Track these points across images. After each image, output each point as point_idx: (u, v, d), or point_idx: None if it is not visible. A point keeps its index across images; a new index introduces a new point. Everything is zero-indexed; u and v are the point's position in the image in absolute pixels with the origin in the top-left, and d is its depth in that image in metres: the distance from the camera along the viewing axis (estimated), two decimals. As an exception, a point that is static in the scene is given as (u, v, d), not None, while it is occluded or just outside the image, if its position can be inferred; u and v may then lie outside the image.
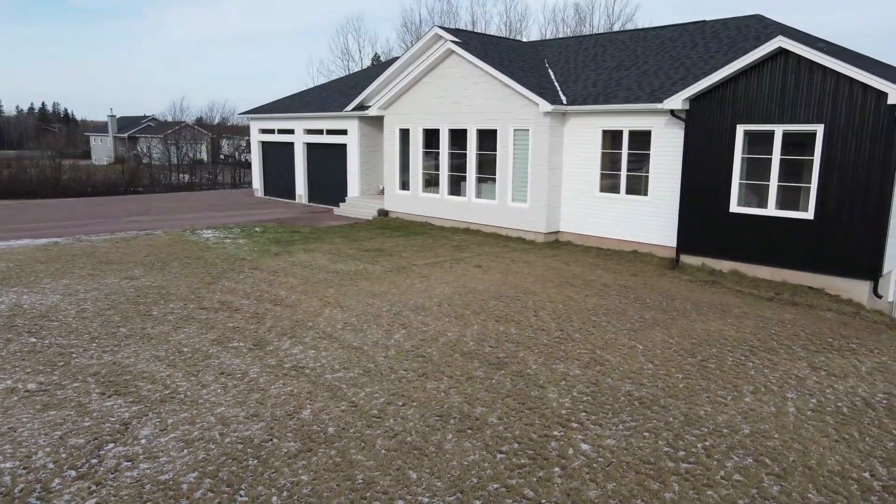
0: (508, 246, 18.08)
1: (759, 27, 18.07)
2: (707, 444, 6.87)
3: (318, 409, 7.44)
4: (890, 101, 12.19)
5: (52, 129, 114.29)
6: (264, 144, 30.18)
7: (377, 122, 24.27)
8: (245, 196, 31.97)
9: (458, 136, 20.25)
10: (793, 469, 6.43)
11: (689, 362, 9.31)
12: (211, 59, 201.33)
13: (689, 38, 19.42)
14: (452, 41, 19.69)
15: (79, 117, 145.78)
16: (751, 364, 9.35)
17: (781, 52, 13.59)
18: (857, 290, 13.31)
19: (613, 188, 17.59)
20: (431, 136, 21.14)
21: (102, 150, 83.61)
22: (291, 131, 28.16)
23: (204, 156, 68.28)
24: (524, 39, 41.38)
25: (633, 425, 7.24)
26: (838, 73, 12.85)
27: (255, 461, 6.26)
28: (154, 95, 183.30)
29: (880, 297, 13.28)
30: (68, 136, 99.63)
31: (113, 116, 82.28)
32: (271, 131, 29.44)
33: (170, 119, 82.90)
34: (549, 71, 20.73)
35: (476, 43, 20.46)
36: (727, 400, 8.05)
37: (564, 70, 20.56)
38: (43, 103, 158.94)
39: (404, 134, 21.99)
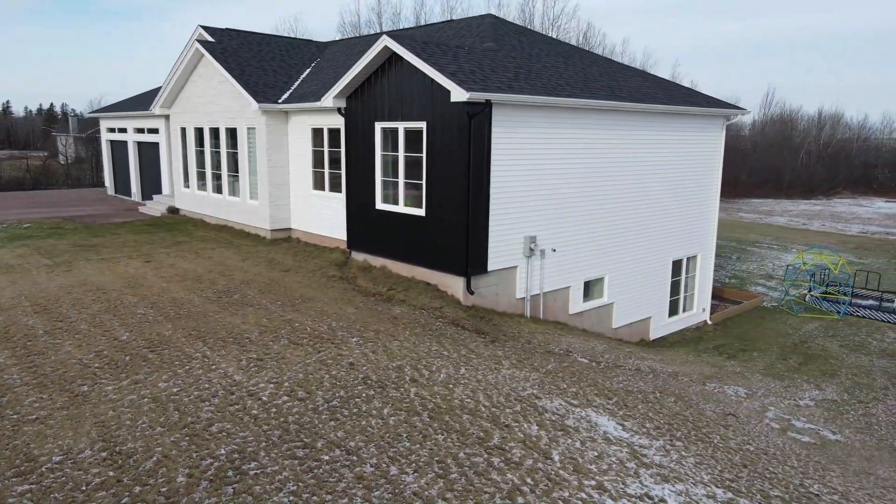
0: (232, 243, 18.40)
1: (484, 25, 18.11)
2: None
3: None
4: (453, 98, 12.25)
5: (52, 129, 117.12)
6: (112, 143, 30.87)
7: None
8: (93, 194, 32.69)
9: (215, 135, 20.62)
10: None
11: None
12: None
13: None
14: (200, 41, 20.05)
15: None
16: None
17: (395, 53, 13.71)
18: (456, 286, 13.40)
19: (321, 186, 17.80)
20: (200, 135, 21.53)
21: (71, 150, 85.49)
22: (126, 130, 28.79)
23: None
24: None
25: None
26: (425, 73, 12.96)
27: None
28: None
29: (473, 293, 13.33)
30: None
31: (75, 116, 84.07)
32: (113, 130, 30.12)
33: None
34: (306, 70, 20.97)
35: (235, 43, 20.80)
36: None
37: (318, 69, 20.80)
38: (52, 104, 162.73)
39: (183, 132, 22.42)
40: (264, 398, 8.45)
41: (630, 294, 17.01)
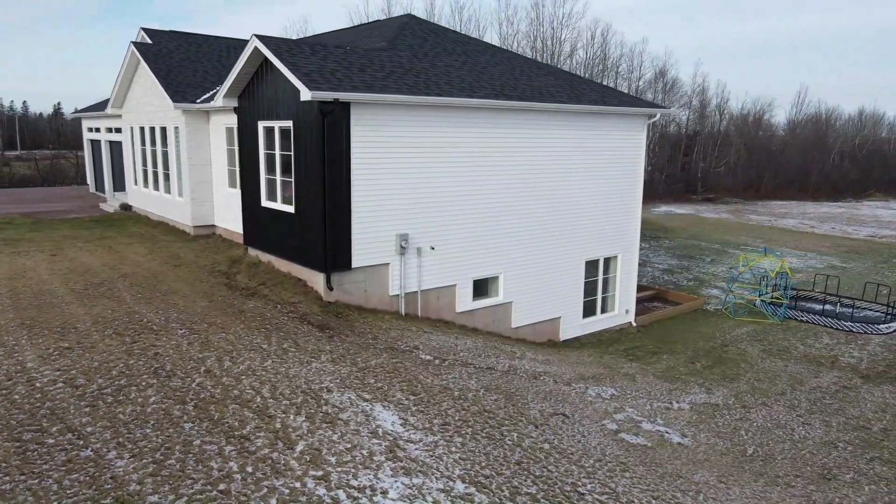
0: (155, 238, 19.01)
1: (395, 26, 18.31)
2: None
3: None
4: (301, 97, 12.48)
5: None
6: (91, 142, 32.02)
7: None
8: (76, 191, 33.95)
9: (152, 134, 21.29)
10: None
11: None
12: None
13: (349, 38, 19.80)
14: (137, 43, 20.73)
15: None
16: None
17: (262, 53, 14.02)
18: (319, 282, 13.63)
19: (235, 184, 18.23)
20: (143, 134, 22.24)
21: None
22: (100, 130, 29.84)
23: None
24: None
25: None
26: (282, 73, 13.22)
27: None
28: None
29: (332, 289, 13.53)
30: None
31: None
32: (91, 130, 31.25)
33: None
34: (241, 71, 21.42)
35: (173, 44, 21.44)
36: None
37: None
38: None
39: (131, 131, 23.18)
40: (39, 385, 8.83)
41: (532, 294, 16.94)
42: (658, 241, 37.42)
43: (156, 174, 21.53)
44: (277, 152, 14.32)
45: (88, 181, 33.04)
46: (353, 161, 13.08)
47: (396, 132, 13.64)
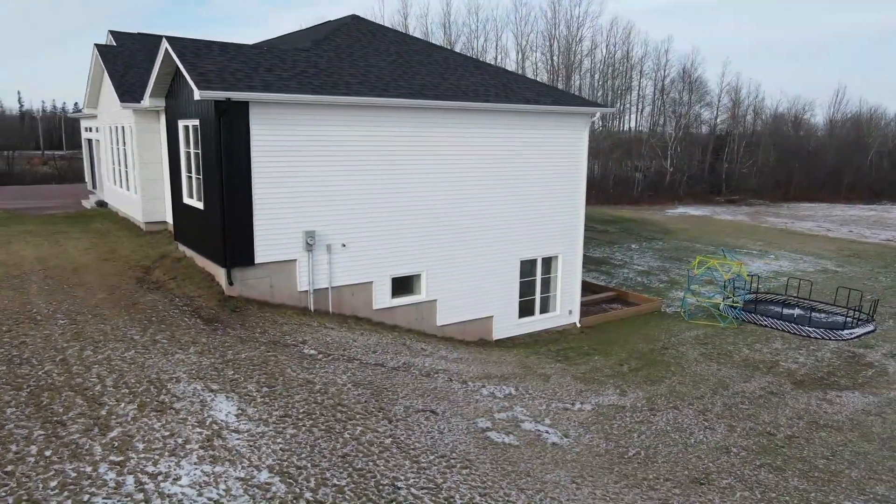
0: (109, 233, 19.72)
1: (328, 28, 18.58)
2: None
3: None
4: (195, 96, 12.83)
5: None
6: (88, 141, 33.20)
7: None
8: (76, 189, 35.23)
9: (115, 133, 22.04)
10: None
11: None
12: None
13: (296, 40, 20.14)
14: (100, 45, 21.49)
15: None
16: None
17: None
18: (223, 276, 13.97)
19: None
20: (110, 133, 23.02)
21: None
22: (90, 129, 30.93)
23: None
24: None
25: None
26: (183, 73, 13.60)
27: None
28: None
29: (232, 283, 13.83)
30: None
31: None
32: (86, 129, 32.40)
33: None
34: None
35: (137, 46, 22.12)
36: None
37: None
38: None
39: (103, 131, 24.02)
40: None
41: (460, 292, 16.97)
42: (652, 242, 36.82)
43: (121, 172, 22.27)
44: (192, 150, 14.72)
45: (86, 179, 34.24)
46: (253, 159, 13.36)
47: (301, 131, 13.86)
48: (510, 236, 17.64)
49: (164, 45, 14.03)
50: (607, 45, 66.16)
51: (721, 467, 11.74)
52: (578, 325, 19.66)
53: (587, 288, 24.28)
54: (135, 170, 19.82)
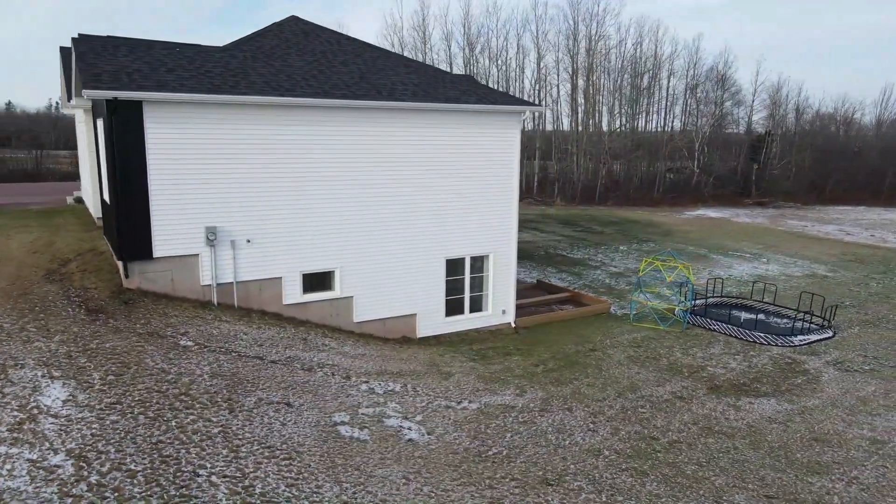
0: (66, 228, 20.55)
1: (269, 27, 18.93)
2: None
3: None
4: (84, 96, 13.31)
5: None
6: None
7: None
8: (71, 185, 36.63)
9: (77, 130, 22.92)
10: None
11: None
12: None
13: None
14: (62, 47, 22.40)
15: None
16: None
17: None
18: (122, 270, 14.45)
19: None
20: (77, 131, 23.94)
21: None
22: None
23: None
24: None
25: None
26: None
27: None
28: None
29: (128, 276, 14.27)
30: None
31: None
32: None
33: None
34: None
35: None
36: None
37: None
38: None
39: (78, 127, 24.99)
40: None
41: (378, 289, 17.10)
42: (644, 244, 36.15)
43: (85, 168, 23.15)
44: (102, 148, 15.25)
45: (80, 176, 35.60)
46: (149, 156, 13.77)
47: (200, 129, 14.21)
48: (434, 234, 17.66)
49: (72, 43, 14.57)
50: (634, 44, 65.02)
51: (582, 469, 11.57)
52: (513, 325, 19.52)
53: (543, 288, 24.10)
54: (86, 165, 20.56)
